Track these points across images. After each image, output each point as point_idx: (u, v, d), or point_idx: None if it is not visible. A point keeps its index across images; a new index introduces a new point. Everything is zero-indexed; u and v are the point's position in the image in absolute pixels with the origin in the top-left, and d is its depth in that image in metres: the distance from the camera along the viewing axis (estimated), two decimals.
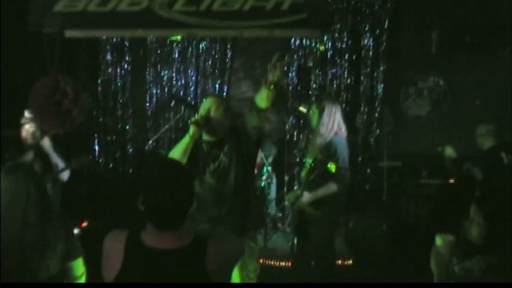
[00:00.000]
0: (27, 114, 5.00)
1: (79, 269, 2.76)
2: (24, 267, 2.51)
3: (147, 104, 8.06)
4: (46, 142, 4.98)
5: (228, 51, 7.98)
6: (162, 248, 1.98)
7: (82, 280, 2.80)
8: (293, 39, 7.60)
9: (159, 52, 7.93)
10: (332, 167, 4.56)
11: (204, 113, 3.81)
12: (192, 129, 3.71)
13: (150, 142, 7.02)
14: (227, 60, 8.02)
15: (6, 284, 2.46)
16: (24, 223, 2.54)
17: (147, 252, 1.98)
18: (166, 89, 8.01)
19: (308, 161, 4.82)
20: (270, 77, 3.56)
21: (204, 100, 4.16)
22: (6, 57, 6.29)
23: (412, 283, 4.99)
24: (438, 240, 3.23)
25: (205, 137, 3.92)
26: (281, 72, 3.58)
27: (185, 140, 3.73)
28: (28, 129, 4.99)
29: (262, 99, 3.64)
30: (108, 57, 7.88)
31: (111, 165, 8.08)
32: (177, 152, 3.75)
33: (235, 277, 3.93)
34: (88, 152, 7.69)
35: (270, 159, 7.20)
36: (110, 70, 7.94)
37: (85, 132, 7.59)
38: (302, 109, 5.22)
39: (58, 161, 5.03)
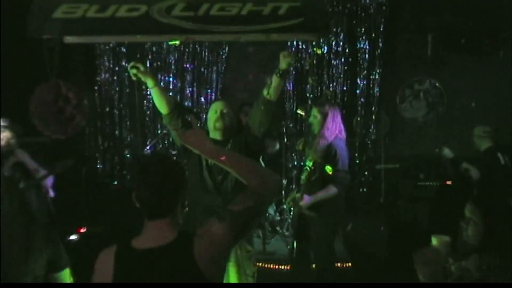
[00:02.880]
0: (2, 122, 4.93)
1: (66, 280, 2.74)
2: (4, 278, 2.49)
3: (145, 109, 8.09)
4: (20, 151, 4.93)
5: (224, 56, 8.05)
6: (150, 247, 2.07)
7: None
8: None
9: (157, 57, 7.98)
10: (331, 169, 4.60)
11: (215, 114, 3.97)
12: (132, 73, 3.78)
13: (148, 147, 7.03)
14: (224, 66, 8.09)
15: (6, 284, 2.47)
16: (5, 234, 2.51)
17: (136, 254, 2.08)
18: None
19: (308, 164, 4.86)
20: (280, 65, 3.68)
21: (212, 103, 4.27)
22: (5, 63, 6.31)
23: (412, 283, 5.01)
24: (434, 241, 3.26)
25: (212, 135, 4.01)
26: (291, 61, 3.70)
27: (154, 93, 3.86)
28: (3, 137, 4.93)
29: (270, 89, 3.71)
30: (106, 63, 7.90)
31: (108, 170, 8.09)
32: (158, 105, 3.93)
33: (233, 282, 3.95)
34: (74, 156, 7.65)
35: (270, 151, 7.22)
36: (107, 75, 7.96)
37: (81, 137, 7.62)
38: (300, 112, 5.25)
39: (36, 168, 4.98)
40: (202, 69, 8.05)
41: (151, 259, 2.05)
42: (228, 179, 3.86)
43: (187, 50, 7.97)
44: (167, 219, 2.12)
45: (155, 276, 2.03)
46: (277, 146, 7.28)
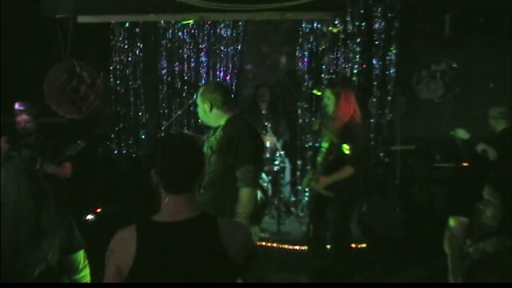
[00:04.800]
0: (18, 105, 5.02)
1: (80, 262, 2.75)
2: (19, 258, 2.50)
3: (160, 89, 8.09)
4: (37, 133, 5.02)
5: (239, 35, 8.01)
6: (172, 221, 2.10)
7: (84, 273, 2.79)
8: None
9: (171, 36, 7.95)
10: (347, 150, 4.57)
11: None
12: None
13: (163, 128, 7.03)
14: (239, 44, 8.05)
15: (6, 284, 2.47)
16: (17, 214, 2.51)
17: (160, 227, 2.10)
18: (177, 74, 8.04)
19: (324, 145, 4.84)
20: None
21: (207, 85, 3.98)
22: (19, 43, 6.32)
23: (412, 283, 5.01)
24: (452, 222, 3.24)
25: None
26: None
27: None
28: (20, 120, 5.02)
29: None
30: (120, 42, 7.87)
31: (124, 151, 8.11)
32: None
33: None
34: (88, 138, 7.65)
35: (280, 141, 7.18)
36: (122, 55, 7.94)
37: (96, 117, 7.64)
38: (316, 92, 5.21)
39: (52, 149, 5.07)
40: (216, 48, 8.02)
41: (176, 232, 2.08)
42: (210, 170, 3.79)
43: (201, 29, 7.93)
44: (187, 195, 2.14)
45: (181, 249, 2.05)
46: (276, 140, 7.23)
